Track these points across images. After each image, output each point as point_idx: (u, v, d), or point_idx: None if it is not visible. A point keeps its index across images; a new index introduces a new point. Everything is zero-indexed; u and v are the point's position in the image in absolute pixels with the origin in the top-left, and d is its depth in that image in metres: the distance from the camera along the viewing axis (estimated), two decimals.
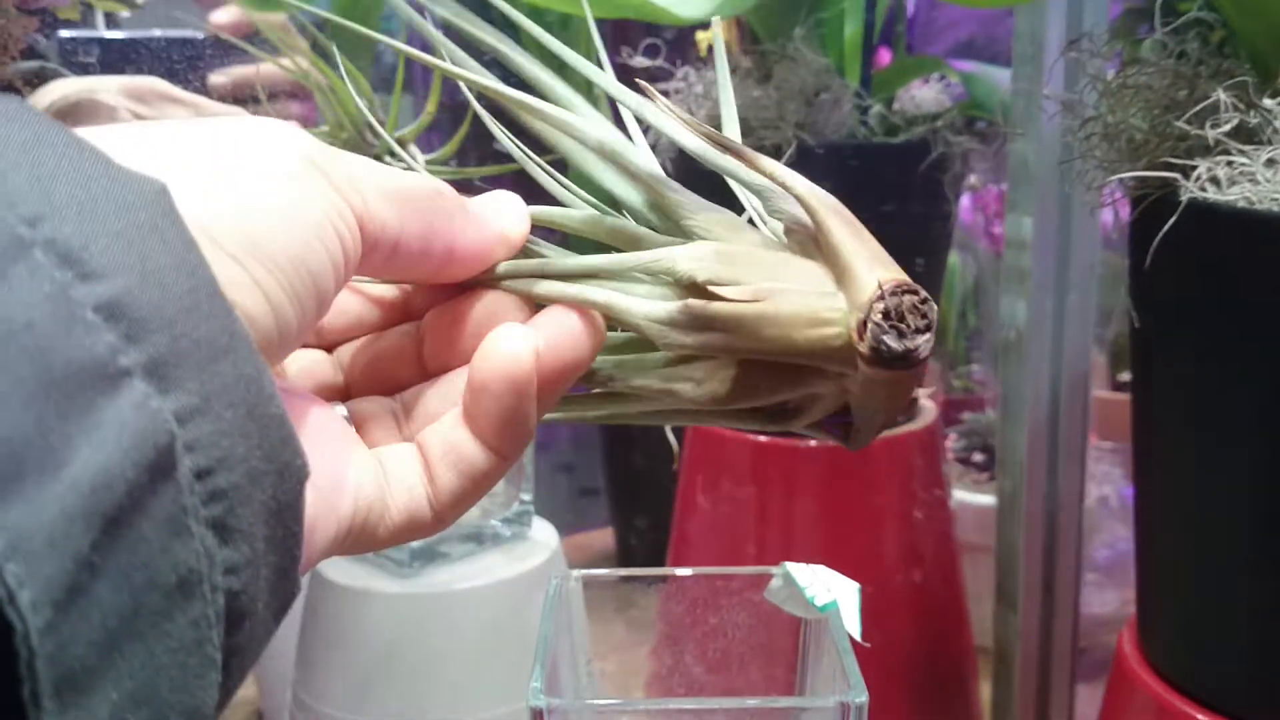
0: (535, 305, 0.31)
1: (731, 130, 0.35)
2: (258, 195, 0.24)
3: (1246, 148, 0.48)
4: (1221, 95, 0.49)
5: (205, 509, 0.20)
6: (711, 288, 0.29)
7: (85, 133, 0.21)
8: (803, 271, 0.30)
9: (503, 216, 0.31)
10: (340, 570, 0.74)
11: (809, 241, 0.30)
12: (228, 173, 0.24)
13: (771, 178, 0.30)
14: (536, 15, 0.79)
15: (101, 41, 0.79)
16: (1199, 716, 0.53)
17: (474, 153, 0.85)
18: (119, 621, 0.18)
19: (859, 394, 0.30)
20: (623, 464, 1.18)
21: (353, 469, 0.28)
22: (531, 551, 0.77)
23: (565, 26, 0.79)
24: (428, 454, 0.30)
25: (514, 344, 0.28)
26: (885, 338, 0.27)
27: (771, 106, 0.76)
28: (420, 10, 0.34)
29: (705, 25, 0.88)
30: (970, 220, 1.25)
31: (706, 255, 0.30)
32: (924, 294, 0.28)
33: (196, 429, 0.20)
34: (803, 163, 0.72)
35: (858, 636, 0.44)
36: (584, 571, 0.48)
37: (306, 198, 0.25)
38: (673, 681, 0.50)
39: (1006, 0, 0.66)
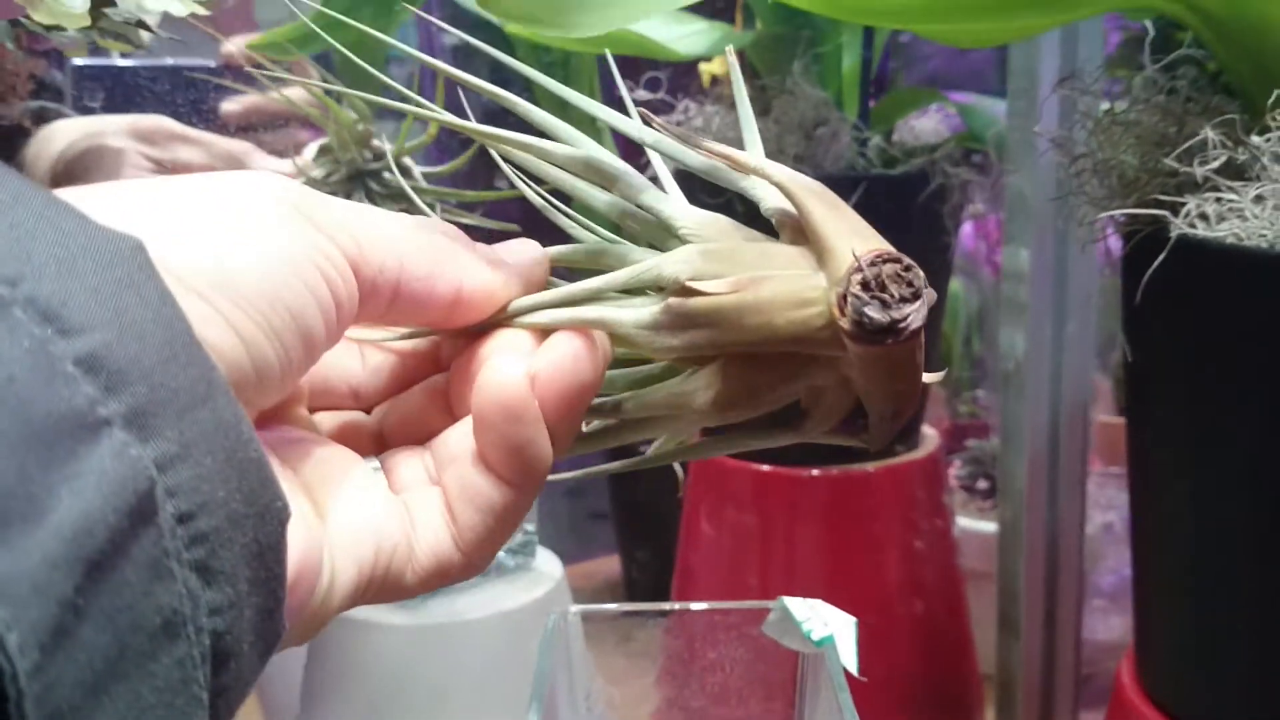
0: (546, 337, 0.31)
1: (755, 152, 0.34)
2: (229, 236, 0.24)
3: (1235, 184, 0.49)
4: (1210, 132, 0.50)
5: (188, 552, 0.20)
6: (692, 284, 0.29)
7: (65, 193, 0.22)
8: (787, 258, 0.29)
9: (513, 256, 0.31)
10: None
11: (797, 231, 0.30)
12: (201, 218, 0.24)
13: (756, 171, 0.30)
14: (537, 52, 0.80)
15: (114, 71, 0.80)
16: None
17: (482, 177, 0.86)
18: (105, 663, 0.18)
19: (861, 380, 0.29)
20: (628, 493, 1.18)
21: (374, 514, 0.29)
22: (536, 582, 0.77)
23: (566, 64, 0.80)
24: (448, 494, 0.30)
25: (503, 372, 0.28)
26: (866, 309, 0.26)
27: (771, 140, 0.77)
28: (430, 47, 0.34)
29: (706, 59, 0.89)
30: (973, 248, 1.25)
31: (691, 256, 0.29)
32: (907, 262, 0.27)
33: (177, 475, 0.20)
34: None
35: (854, 671, 0.44)
36: (583, 607, 0.49)
37: (283, 238, 0.25)
38: (673, 715, 0.51)
39: (999, 40, 0.67)
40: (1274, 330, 0.47)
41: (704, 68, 0.96)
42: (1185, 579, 0.55)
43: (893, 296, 0.26)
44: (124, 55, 0.82)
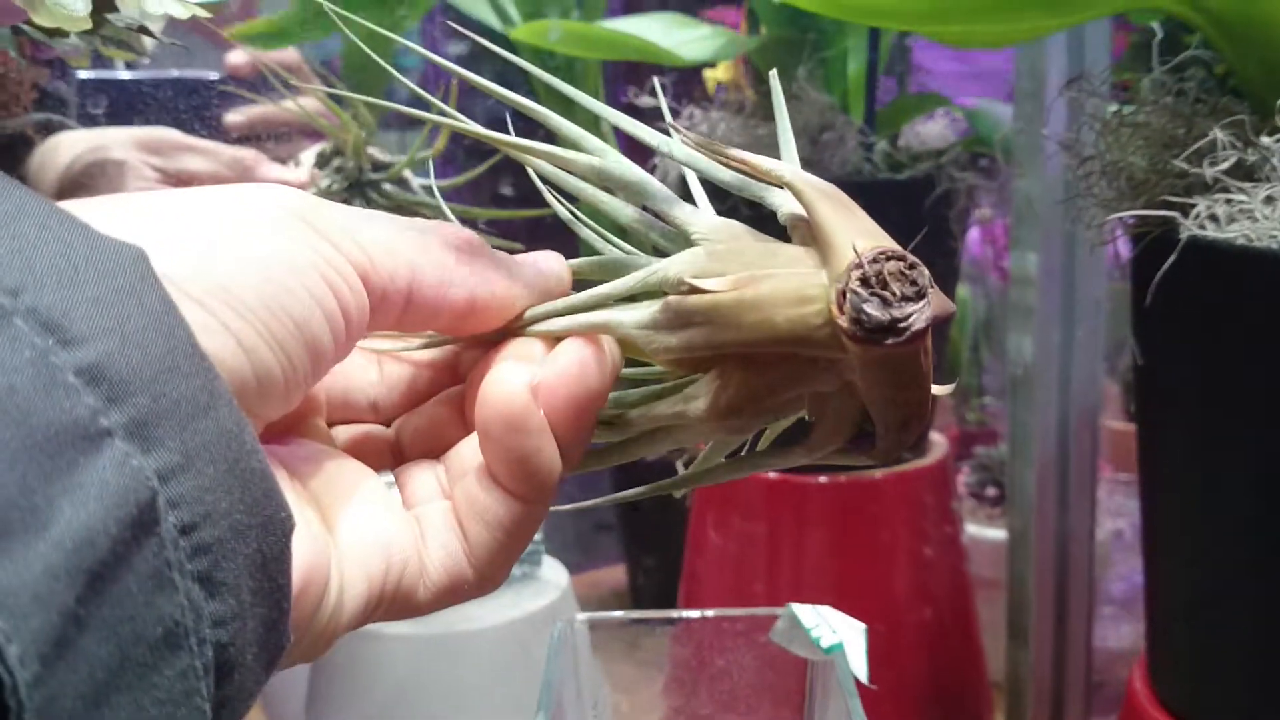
0: (557, 344, 0.30)
1: (790, 158, 0.33)
2: (230, 244, 0.24)
3: (1245, 185, 0.48)
4: (1219, 133, 0.49)
5: (190, 563, 0.20)
6: (692, 281, 0.28)
7: (68, 205, 0.22)
8: (792, 257, 0.28)
9: (532, 266, 0.31)
10: None
11: (807, 231, 0.29)
12: (203, 227, 0.24)
13: (767, 175, 0.30)
14: (543, 58, 0.80)
15: (119, 83, 0.80)
16: None
17: (487, 189, 0.86)
18: (106, 674, 0.18)
19: (864, 386, 0.28)
20: (634, 501, 1.18)
21: (384, 528, 0.28)
22: (541, 591, 0.77)
23: (570, 70, 0.80)
24: (458, 509, 0.29)
25: (504, 382, 0.28)
26: (865, 306, 0.25)
27: (776, 145, 0.77)
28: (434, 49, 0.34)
29: (711, 64, 0.89)
30: (980, 253, 1.25)
31: (696, 257, 0.29)
32: (911, 259, 0.26)
33: (179, 486, 0.20)
34: None
35: (864, 678, 0.44)
36: (590, 615, 0.48)
37: (286, 246, 0.25)
38: None
39: (1006, 42, 0.67)
40: None
41: (708, 73, 0.96)
42: (1197, 585, 0.54)
43: (894, 294, 0.25)
44: (129, 66, 0.82)
